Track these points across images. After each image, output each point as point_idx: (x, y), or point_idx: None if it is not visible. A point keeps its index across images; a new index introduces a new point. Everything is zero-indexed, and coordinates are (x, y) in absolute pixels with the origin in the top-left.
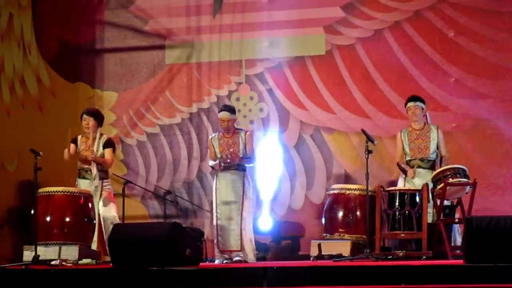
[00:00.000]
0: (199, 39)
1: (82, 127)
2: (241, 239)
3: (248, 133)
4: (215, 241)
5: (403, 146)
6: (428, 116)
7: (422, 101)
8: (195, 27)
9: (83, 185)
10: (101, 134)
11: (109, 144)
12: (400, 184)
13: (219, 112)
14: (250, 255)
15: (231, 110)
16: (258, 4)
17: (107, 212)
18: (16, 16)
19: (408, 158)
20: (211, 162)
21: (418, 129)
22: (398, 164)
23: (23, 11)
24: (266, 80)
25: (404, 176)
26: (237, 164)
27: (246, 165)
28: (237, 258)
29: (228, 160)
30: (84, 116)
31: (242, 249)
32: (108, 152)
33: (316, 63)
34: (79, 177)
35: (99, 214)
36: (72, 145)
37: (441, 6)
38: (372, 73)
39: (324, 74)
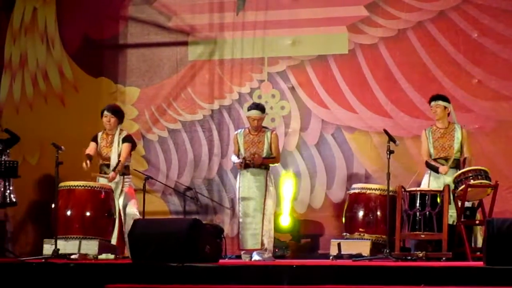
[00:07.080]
0: (221, 36)
1: (102, 123)
2: (262, 237)
3: (274, 132)
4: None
5: (428, 145)
6: (453, 115)
7: (445, 99)
8: (218, 24)
9: (104, 181)
10: (121, 130)
11: (127, 139)
12: (425, 182)
13: (248, 110)
14: (270, 253)
15: (262, 109)
16: (281, 2)
17: (127, 208)
18: (40, 10)
19: (432, 157)
20: (233, 158)
21: (442, 128)
22: (427, 162)
23: (47, 5)
24: (288, 78)
25: (429, 172)
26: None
27: (270, 164)
28: (256, 258)
29: (249, 161)
30: (105, 113)
31: (262, 246)
32: (125, 146)
33: (339, 62)
34: (101, 173)
35: (119, 210)
36: (92, 143)
37: (466, 7)
38: (395, 73)
39: (347, 73)
